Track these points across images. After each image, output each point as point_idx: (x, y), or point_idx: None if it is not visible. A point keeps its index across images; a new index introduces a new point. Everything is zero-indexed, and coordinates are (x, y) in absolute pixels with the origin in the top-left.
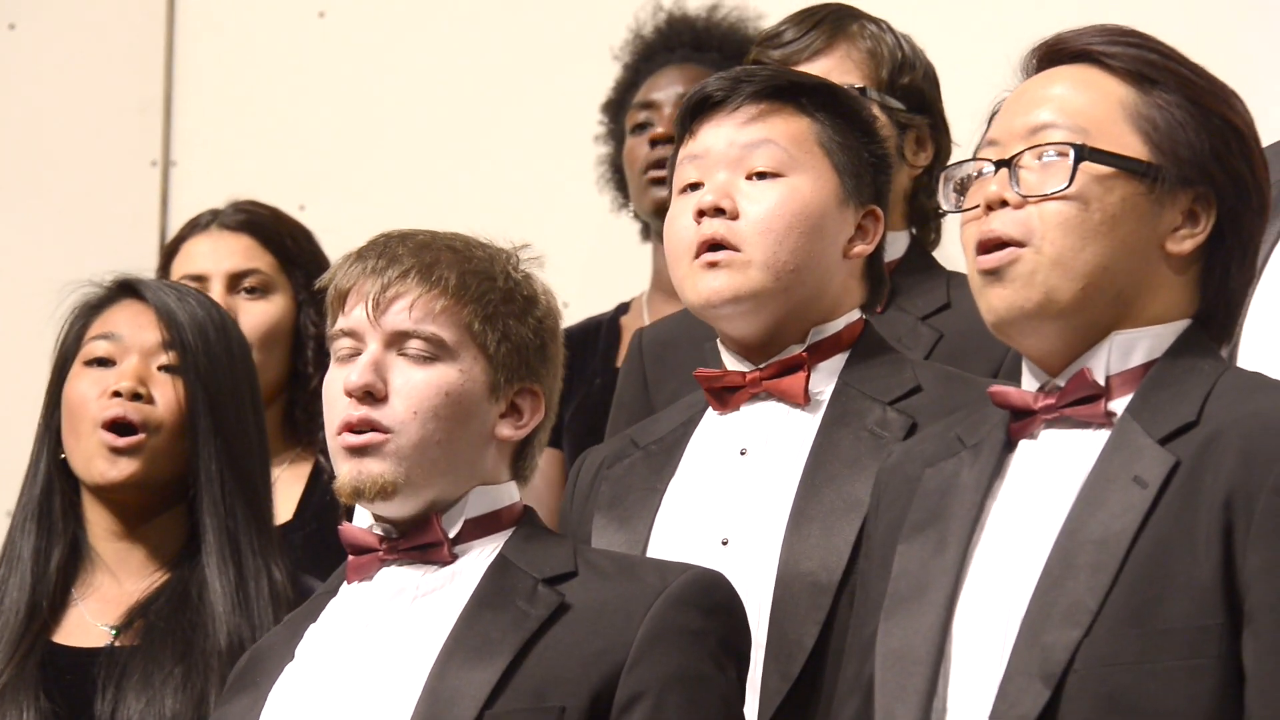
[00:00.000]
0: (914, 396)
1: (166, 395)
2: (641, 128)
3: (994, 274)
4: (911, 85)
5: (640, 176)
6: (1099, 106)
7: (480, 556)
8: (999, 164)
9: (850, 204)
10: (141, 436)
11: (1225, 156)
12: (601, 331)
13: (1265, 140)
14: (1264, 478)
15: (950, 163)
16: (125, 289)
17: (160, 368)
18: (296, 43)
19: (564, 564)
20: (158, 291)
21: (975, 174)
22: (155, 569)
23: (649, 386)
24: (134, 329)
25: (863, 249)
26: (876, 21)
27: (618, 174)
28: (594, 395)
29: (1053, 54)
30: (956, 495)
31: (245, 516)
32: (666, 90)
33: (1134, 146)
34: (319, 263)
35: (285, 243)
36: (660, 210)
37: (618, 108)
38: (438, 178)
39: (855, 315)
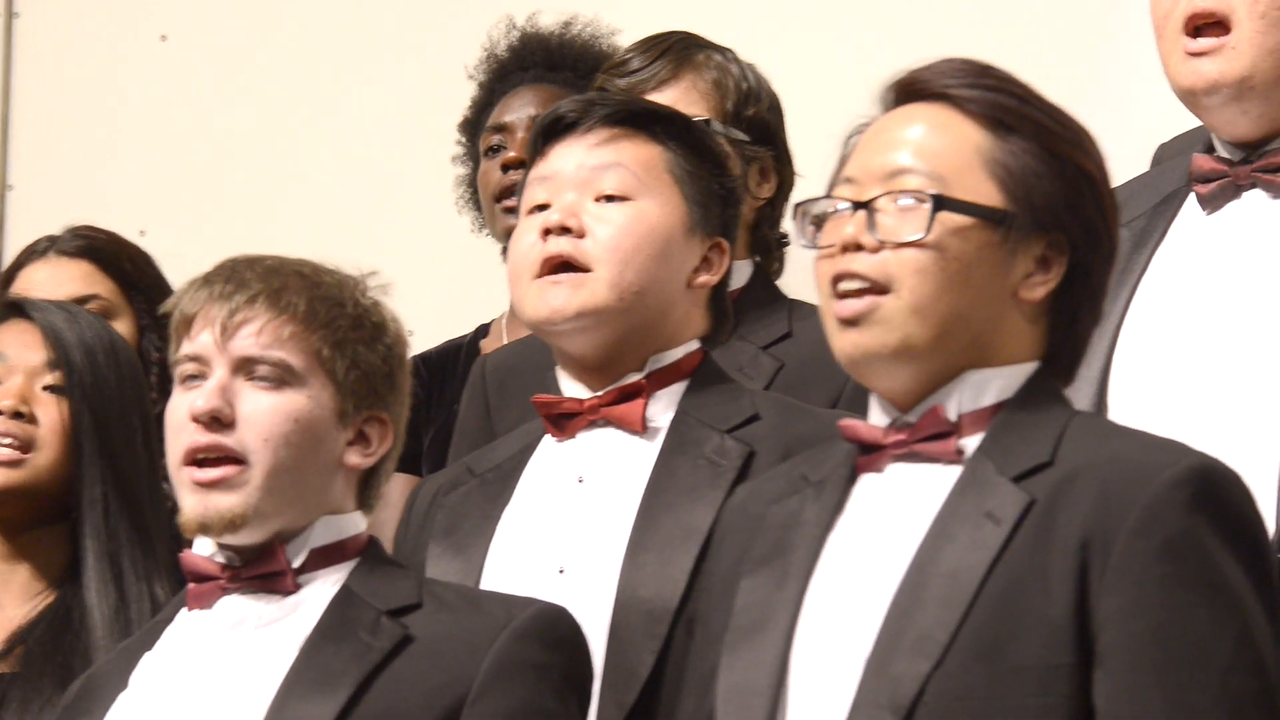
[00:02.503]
0: (751, 425)
1: (50, 415)
2: (494, 150)
3: (850, 320)
4: (756, 117)
5: (492, 202)
6: (956, 153)
7: (324, 587)
8: (857, 205)
9: (697, 234)
10: (19, 454)
11: (1078, 205)
12: (462, 355)
13: (1125, 150)
14: (1122, 521)
15: (807, 197)
16: (13, 309)
17: (45, 387)
18: (137, 66)
19: (408, 596)
20: (46, 311)
21: (832, 210)
22: (38, 591)
23: (491, 413)
24: (19, 348)
25: (707, 280)
26: (723, 51)
27: (476, 195)
28: (454, 420)
29: (910, 91)
30: (799, 530)
31: (129, 538)
32: (519, 112)
33: (989, 194)
34: (160, 287)
35: (125, 267)
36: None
37: (474, 128)
38: (285, 202)
39: (695, 345)
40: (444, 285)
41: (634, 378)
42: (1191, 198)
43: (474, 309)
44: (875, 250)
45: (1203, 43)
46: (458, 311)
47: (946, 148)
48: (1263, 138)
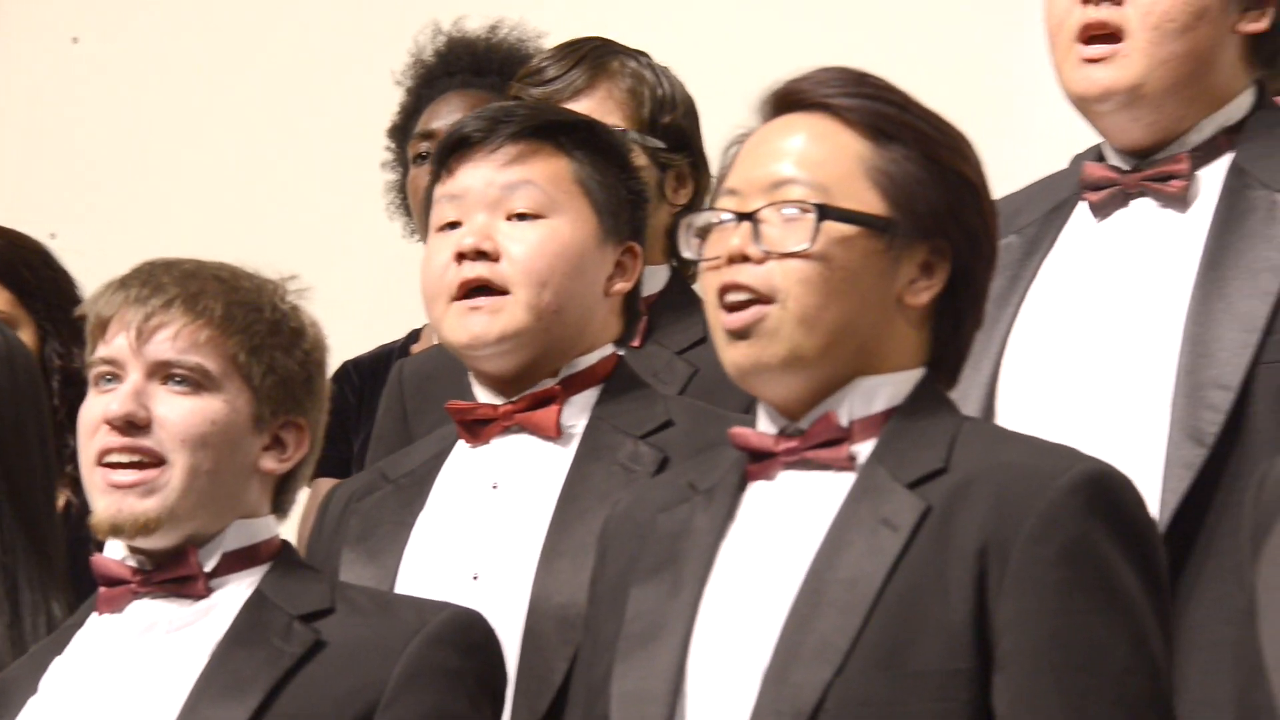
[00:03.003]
0: (665, 431)
1: None
2: (423, 158)
3: (739, 332)
4: (672, 124)
5: (423, 209)
6: (838, 162)
7: (236, 591)
8: (741, 216)
9: (609, 242)
10: None
11: (959, 210)
12: (393, 360)
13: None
14: (1019, 527)
15: (690, 213)
16: None
17: None
18: (49, 68)
19: (321, 600)
20: None
21: (716, 221)
22: None
23: (409, 419)
24: None
25: (623, 286)
26: (637, 56)
27: (406, 201)
28: None
29: (790, 101)
30: (690, 538)
31: (25, 551)
32: (447, 119)
33: (872, 202)
34: (61, 290)
35: (21, 274)
36: None
37: (402, 134)
38: (202, 206)
39: (609, 350)
40: (373, 290)
41: (548, 384)
42: (1082, 205)
43: (404, 314)
44: (761, 261)
45: (1096, 49)
46: (388, 317)
47: (828, 157)
48: (1153, 146)
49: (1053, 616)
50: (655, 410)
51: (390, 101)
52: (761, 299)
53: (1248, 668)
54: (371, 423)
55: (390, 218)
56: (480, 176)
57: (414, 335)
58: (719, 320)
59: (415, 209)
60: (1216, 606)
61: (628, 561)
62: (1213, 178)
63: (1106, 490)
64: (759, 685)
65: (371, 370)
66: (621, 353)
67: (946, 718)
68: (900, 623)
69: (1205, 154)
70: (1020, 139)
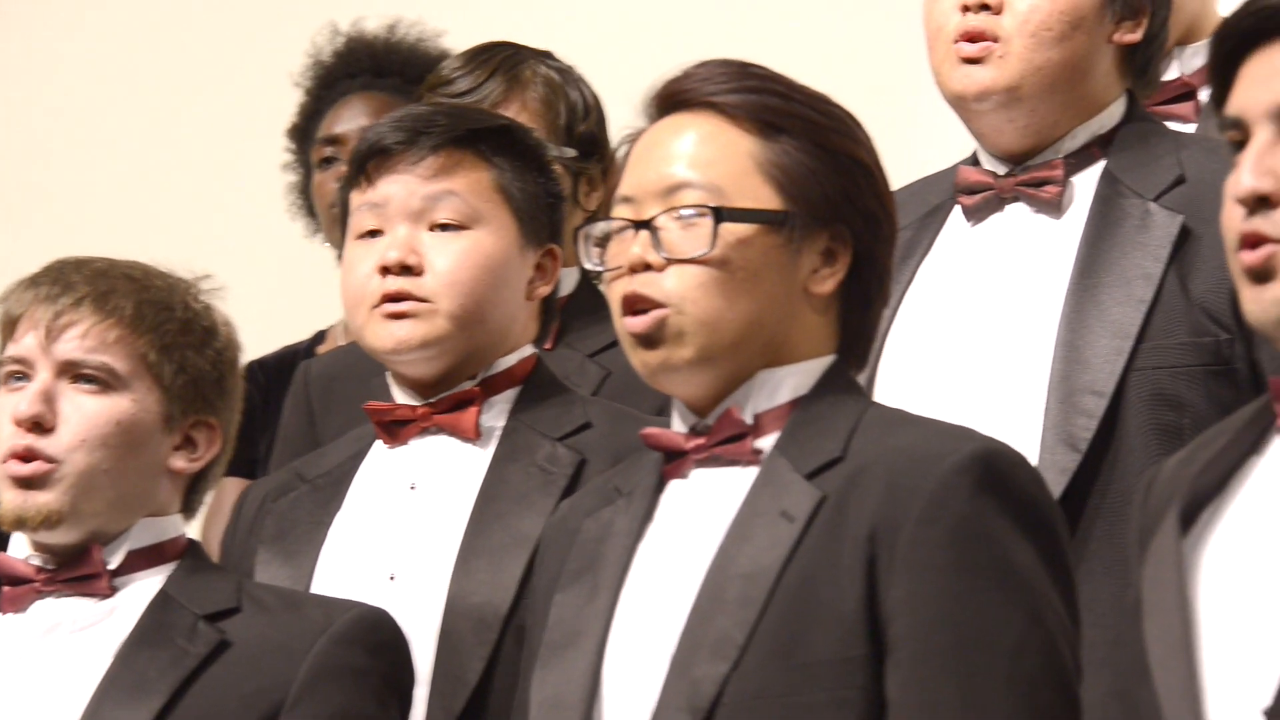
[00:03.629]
0: (583, 433)
1: None
2: (328, 162)
3: (645, 338)
4: (586, 132)
5: (330, 210)
6: (730, 161)
7: (142, 590)
8: (638, 225)
9: (530, 246)
10: None
11: (855, 194)
12: (298, 360)
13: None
14: (908, 510)
15: (586, 222)
16: None
17: None
18: None
19: (226, 599)
20: None
21: (615, 230)
22: None
23: (315, 420)
24: None
25: (544, 289)
26: (546, 60)
27: (308, 201)
28: None
29: (675, 101)
30: (610, 541)
31: None
32: (350, 123)
33: (768, 198)
34: None
35: None
36: None
37: (303, 135)
38: (108, 204)
39: (528, 351)
40: (276, 291)
41: (468, 385)
42: (957, 209)
43: (307, 314)
44: (662, 268)
45: (975, 48)
46: (290, 317)
47: (720, 157)
48: (1027, 151)
49: (942, 598)
50: (573, 412)
51: (290, 102)
52: (667, 304)
53: (1131, 665)
54: (277, 423)
55: (291, 218)
56: (402, 187)
57: (319, 336)
58: (624, 326)
59: (321, 211)
60: (1087, 610)
61: (558, 567)
62: (1086, 185)
63: (996, 468)
64: (662, 682)
65: (278, 370)
66: (539, 354)
67: (843, 706)
68: (796, 614)
69: (1079, 161)
70: (913, 140)
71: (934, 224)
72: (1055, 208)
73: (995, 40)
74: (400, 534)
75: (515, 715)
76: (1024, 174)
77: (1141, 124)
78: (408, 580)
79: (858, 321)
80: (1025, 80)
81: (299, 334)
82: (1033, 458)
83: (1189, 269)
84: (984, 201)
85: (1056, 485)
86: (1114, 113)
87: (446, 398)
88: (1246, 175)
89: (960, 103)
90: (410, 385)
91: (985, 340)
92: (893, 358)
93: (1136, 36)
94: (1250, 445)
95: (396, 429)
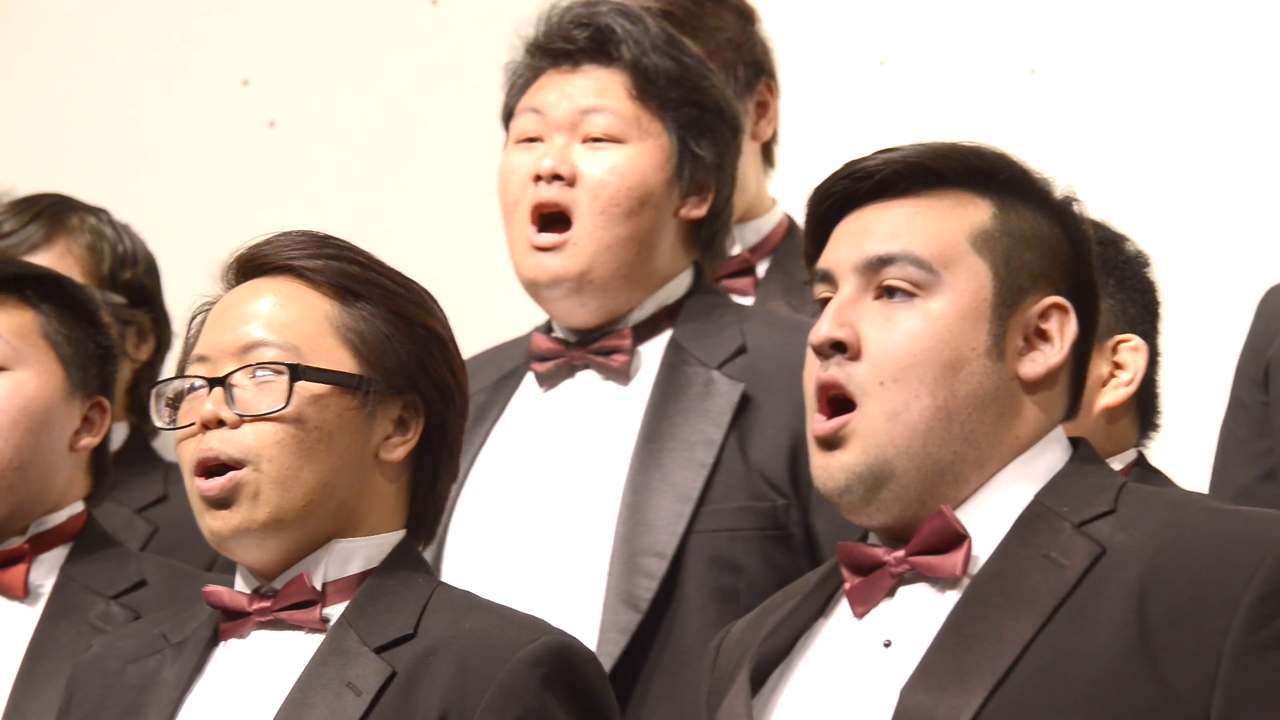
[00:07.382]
0: (139, 591)
1: None
2: None
3: (219, 500)
4: (133, 280)
5: None
6: (307, 322)
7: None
8: (213, 382)
9: (77, 396)
10: None
11: (429, 364)
12: None
13: None
14: (478, 697)
15: (159, 379)
16: None
17: None
18: None
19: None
20: None
21: (187, 389)
22: None
23: None
24: None
25: (90, 441)
26: (97, 213)
27: None
28: None
29: (254, 266)
30: (155, 691)
31: None
32: None
33: (344, 361)
34: None
35: None
36: None
37: None
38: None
39: (79, 507)
40: None
41: (16, 542)
42: (530, 375)
43: None
44: (236, 426)
45: (546, 238)
46: None
47: (297, 318)
48: (598, 326)
49: None
50: (128, 569)
51: None
52: (239, 464)
53: None
54: None
55: None
56: None
57: None
58: (196, 488)
59: None
60: None
61: (92, 709)
62: (653, 353)
63: (565, 664)
64: None
65: None
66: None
67: None
68: None
69: (646, 330)
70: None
71: (507, 389)
72: (624, 375)
73: (568, 217)
74: None
75: None
76: (594, 343)
77: (706, 295)
78: None
79: (425, 493)
80: (595, 262)
81: None
82: (595, 618)
83: (748, 435)
84: (556, 369)
85: (617, 644)
86: (680, 284)
87: None
88: (825, 323)
89: (533, 288)
90: None
91: (553, 503)
92: (464, 520)
93: (701, 212)
94: (819, 608)
95: None
